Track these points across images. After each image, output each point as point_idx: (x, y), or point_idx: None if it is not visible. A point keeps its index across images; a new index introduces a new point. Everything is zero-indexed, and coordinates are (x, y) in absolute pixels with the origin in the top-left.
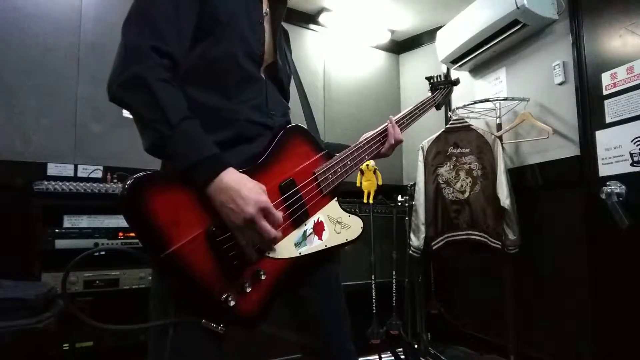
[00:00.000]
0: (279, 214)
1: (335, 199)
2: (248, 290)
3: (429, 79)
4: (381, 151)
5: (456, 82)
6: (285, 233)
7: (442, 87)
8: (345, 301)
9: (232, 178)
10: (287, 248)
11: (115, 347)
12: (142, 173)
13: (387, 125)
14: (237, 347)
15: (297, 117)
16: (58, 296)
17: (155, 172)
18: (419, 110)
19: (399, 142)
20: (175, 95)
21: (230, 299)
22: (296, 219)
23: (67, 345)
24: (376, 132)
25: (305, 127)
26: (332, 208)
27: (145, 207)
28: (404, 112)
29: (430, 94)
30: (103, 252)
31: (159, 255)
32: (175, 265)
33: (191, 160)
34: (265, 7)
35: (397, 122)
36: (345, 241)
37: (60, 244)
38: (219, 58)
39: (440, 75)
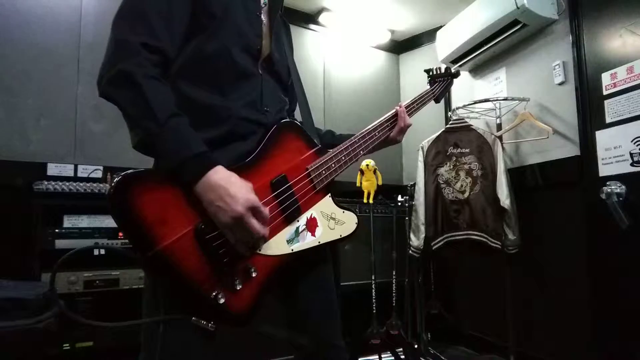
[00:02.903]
0: (266, 212)
1: (329, 195)
2: (238, 287)
3: (427, 71)
4: (390, 136)
5: (456, 74)
6: (278, 230)
7: (441, 80)
8: (337, 298)
9: (221, 176)
10: (279, 245)
11: (115, 347)
12: (129, 171)
13: (383, 120)
14: (233, 347)
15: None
16: (58, 296)
17: (142, 170)
18: (417, 104)
19: (407, 126)
20: (163, 92)
21: (220, 296)
22: (288, 215)
23: (67, 345)
24: (372, 126)
25: (301, 121)
26: (326, 204)
27: (132, 206)
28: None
29: (429, 86)
30: (102, 252)
31: (147, 254)
32: (163, 263)
33: (179, 158)
34: None
35: (393, 117)
36: (339, 237)
37: (60, 244)
38: (213, 54)
39: (439, 68)
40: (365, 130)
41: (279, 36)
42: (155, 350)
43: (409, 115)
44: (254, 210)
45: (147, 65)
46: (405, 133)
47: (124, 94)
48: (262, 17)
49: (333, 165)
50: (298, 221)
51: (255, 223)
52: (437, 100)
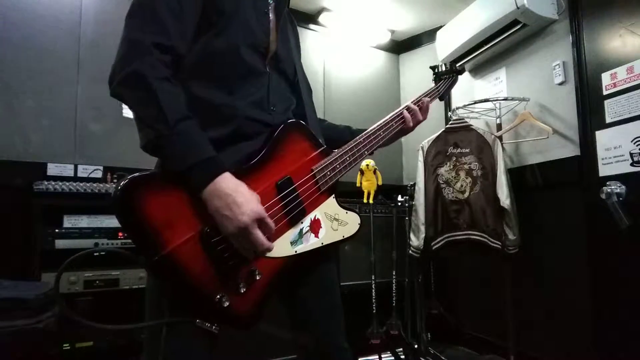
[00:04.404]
0: (272, 224)
1: (333, 195)
2: (243, 290)
3: (433, 68)
4: (402, 128)
5: (461, 70)
6: (282, 232)
7: (446, 77)
8: (340, 299)
9: (229, 184)
10: (283, 247)
11: (115, 347)
12: (135, 174)
13: (387, 119)
14: (234, 347)
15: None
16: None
17: (148, 173)
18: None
19: (420, 121)
20: (175, 94)
21: (224, 299)
22: (293, 217)
23: (67, 345)
24: (376, 126)
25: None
26: (330, 205)
27: (139, 209)
28: (405, 105)
29: (434, 84)
30: (103, 253)
31: (153, 258)
32: (169, 267)
33: (187, 162)
34: None
35: (397, 117)
36: (342, 238)
37: (60, 244)
38: (222, 51)
39: (445, 64)
40: (370, 130)
41: (285, 33)
42: (158, 353)
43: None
44: (260, 222)
45: (159, 65)
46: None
47: (135, 95)
48: (269, 14)
49: (338, 166)
50: (302, 223)
51: (259, 235)
52: (441, 98)
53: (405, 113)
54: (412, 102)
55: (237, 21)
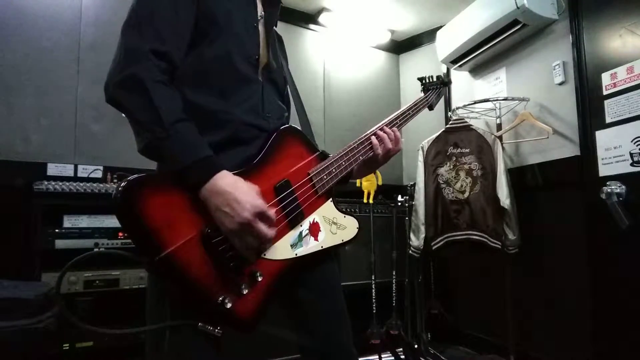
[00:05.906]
0: (273, 214)
1: (331, 199)
2: (245, 292)
3: (421, 79)
4: (372, 158)
5: (447, 82)
6: (281, 234)
7: (434, 88)
8: (344, 300)
9: (227, 181)
10: (283, 249)
11: (115, 347)
12: (135, 175)
13: (380, 126)
14: (236, 347)
15: (293, 120)
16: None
17: (148, 174)
18: (412, 110)
19: (394, 151)
20: (171, 97)
21: (226, 301)
22: (292, 219)
23: (67, 345)
24: (370, 131)
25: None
26: (328, 209)
27: (139, 210)
28: (395, 113)
29: (422, 94)
30: (101, 254)
31: (154, 259)
32: (170, 268)
33: (184, 162)
34: (261, 11)
35: (389, 124)
36: (341, 242)
37: (60, 244)
38: (215, 58)
39: (431, 76)
40: (364, 136)
41: (274, 47)
42: (161, 357)
43: (403, 124)
44: (261, 215)
45: (155, 71)
46: (389, 157)
47: (131, 99)
48: (259, 28)
49: (334, 170)
50: (301, 226)
51: (262, 227)
52: (430, 108)
53: (380, 133)
54: (380, 128)
55: (229, 31)
